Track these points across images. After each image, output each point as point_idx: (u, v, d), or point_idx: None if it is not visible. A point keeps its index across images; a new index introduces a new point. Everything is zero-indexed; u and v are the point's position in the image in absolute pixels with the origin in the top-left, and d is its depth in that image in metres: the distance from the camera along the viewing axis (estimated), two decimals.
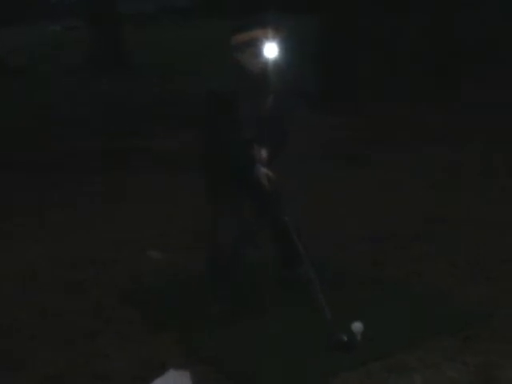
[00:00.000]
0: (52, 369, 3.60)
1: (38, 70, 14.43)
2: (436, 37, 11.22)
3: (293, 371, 3.43)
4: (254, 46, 3.85)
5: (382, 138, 8.11)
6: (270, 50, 3.86)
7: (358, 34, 9.97)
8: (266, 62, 3.88)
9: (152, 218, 5.73)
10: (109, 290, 4.46)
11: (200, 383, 3.31)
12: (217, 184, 4.01)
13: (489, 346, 3.56)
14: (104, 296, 4.38)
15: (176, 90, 11.37)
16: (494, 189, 6.12)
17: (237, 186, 3.97)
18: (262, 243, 4.50)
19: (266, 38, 3.84)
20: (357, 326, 3.64)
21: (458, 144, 7.65)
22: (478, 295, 4.11)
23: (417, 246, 4.90)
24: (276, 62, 3.89)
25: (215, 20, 16.11)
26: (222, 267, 4.05)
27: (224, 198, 4.00)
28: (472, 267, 4.53)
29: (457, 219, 5.38)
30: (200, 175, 4.09)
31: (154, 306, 4.24)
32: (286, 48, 3.93)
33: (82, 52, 14.51)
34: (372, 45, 11.23)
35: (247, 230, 4.13)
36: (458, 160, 7.09)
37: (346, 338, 3.57)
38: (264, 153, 3.95)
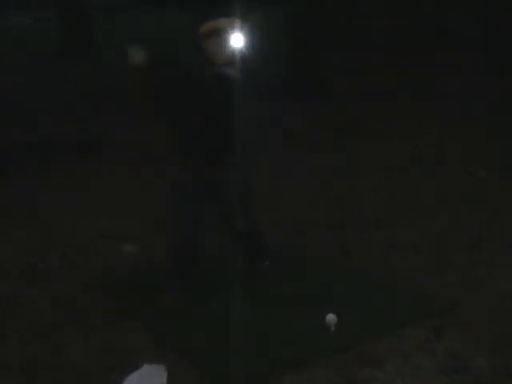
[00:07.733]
0: (20, 360, 3.54)
1: (7, 58, 14.22)
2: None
3: (260, 359, 3.41)
4: (219, 36, 3.87)
5: (345, 126, 8.10)
6: (236, 40, 3.89)
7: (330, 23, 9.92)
8: (232, 52, 3.90)
9: (115, 208, 5.66)
10: (73, 280, 4.41)
11: (169, 372, 3.29)
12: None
13: (456, 333, 3.59)
14: (68, 285, 4.33)
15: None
16: (453, 176, 6.13)
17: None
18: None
19: (232, 27, 3.87)
20: (330, 317, 3.68)
21: (418, 132, 7.66)
22: (442, 283, 4.14)
23: (380, 233, 4.91)
24: (241, 52, 3.92)
25: (185, 11, 16.12)
26: (184, 255, 4.04)
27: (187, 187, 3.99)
28: (435, 254, 4.55)
29: (419, 206, 5.41)
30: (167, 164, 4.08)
31: (119, 294, 4.20)
32: (252, 38, 3.96)
33: (53, 43, 14.37)
34: (344, 34, 11.21)
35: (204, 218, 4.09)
36: (418, 148, 7.10)
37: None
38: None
